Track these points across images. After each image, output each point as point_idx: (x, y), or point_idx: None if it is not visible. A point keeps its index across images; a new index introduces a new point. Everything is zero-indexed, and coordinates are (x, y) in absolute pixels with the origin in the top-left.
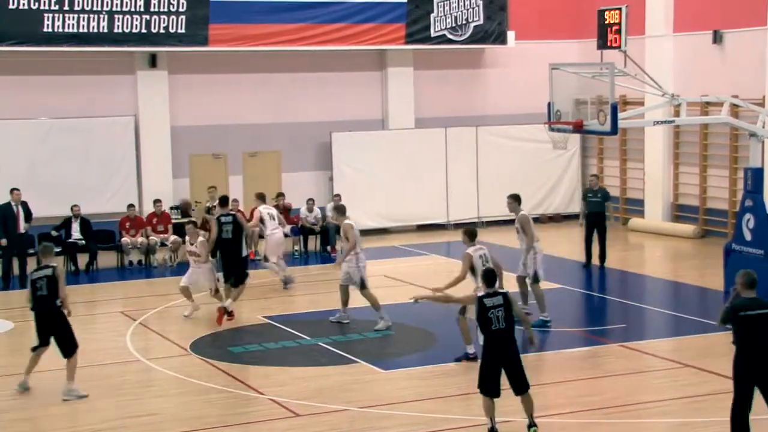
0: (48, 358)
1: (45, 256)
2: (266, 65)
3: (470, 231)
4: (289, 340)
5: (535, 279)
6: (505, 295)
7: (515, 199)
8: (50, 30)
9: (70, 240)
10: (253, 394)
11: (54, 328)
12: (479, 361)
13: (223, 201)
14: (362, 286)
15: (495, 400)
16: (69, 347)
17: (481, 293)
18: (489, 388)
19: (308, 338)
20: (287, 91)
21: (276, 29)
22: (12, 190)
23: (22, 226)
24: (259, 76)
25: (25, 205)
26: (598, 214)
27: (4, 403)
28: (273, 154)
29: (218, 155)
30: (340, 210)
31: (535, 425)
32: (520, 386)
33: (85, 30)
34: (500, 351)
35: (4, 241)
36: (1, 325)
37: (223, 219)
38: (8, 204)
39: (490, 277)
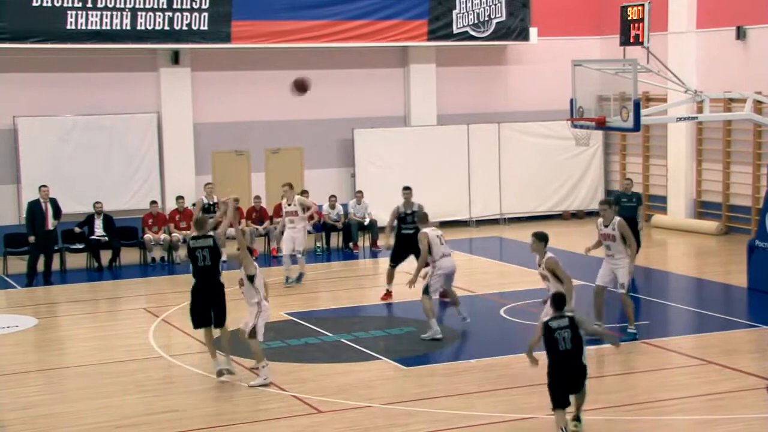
0: (73, 354)
1: (202, 227)
2: (288, 62)
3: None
4: (311, 337)
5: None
6: (571, 318)
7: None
8: (73, 27)
9: (93, 237)
10: (275, 390)
11: (215, 299)
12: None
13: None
14: (424, 290)
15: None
16: (224, 317)
17: (546, 318)
18: (561, 403)
19: (330, 335)
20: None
21: (298, 26)
22: (40, 187)
23: (51, 223)
24: (282, 72)
25: (54, 202)
26: (631, 219)
27: (26, 399)
28: (295, 151)
29: (241, 152)
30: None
31: (580, 420)
32: (579, 390)
33: (108, 27)
34: (568, 371)
35: (32, 238)
36: (26, 321)
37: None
38: (37, 201)
39: (558, 301)
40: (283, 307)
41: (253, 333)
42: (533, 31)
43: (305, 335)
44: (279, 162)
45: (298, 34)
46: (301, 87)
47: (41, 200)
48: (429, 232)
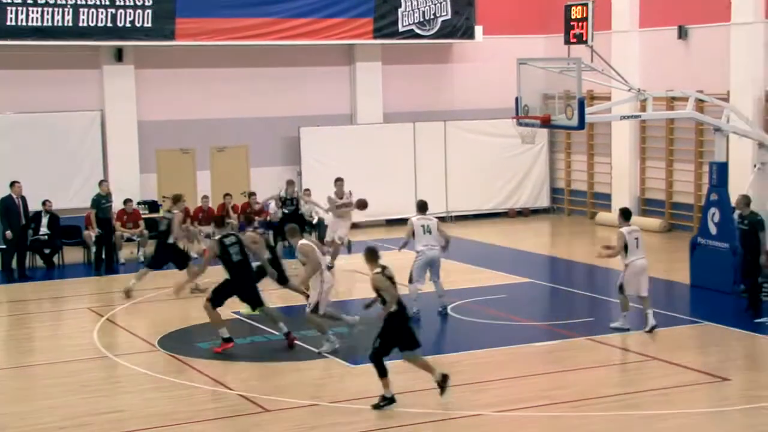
0: (16, 354)
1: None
2: (234, 60)
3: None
4: (258, 335)
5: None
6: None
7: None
8: (14, 23)
9: (37, 236)
10: (221, 389)
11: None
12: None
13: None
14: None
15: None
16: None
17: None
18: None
19: (277, 333)
20: (255, 86)
21: (243, 23)
22: (13, 183)
23: (23, 219)
24: (227, 70)
25: (24, 199)
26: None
27: None
28: (241, 149)
29: (186, 150)
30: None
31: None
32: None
33: (50, 23)
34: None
35: (9, 233)
36: None
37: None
38: (9, 196)
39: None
40: (230, 306)
41: (315, 309)
42: (479, 30)
43: (252, 333)
44: (225, 160)
45: (243, 31)
46: (362, 206)
47: (14, 196)
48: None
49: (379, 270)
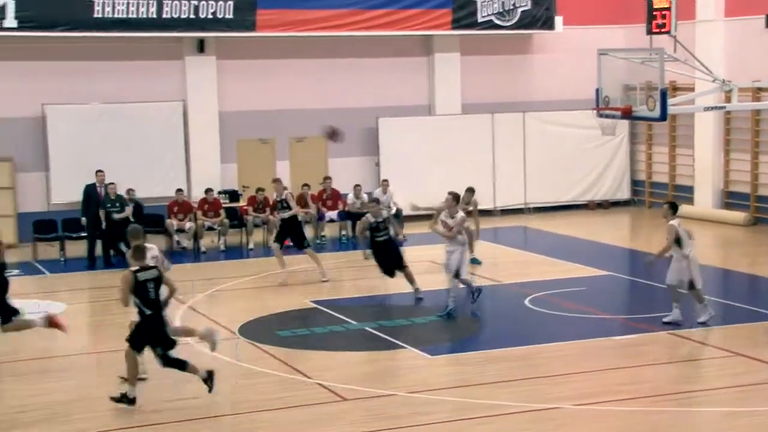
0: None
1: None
2: (313, 50)
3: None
4: (336, 325)
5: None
6: None
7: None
8: (100, 16)
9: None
10: (300, 377)
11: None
12: None
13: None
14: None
15: None
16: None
17: None
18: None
19: (355, 323)
20: (334, 77)
21: (323, 14)
22: (97, 172)
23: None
24: (306, 61)
25: (107, 187)
26: None
27: (71, 383)
28: (320, 140)
29: (266, 140)
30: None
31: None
32: None
33: (134, 16)
34: None
35: (84, 220)
36: (55, 307)
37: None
38: (93, 185)
39: None
40: (309, 294)
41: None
42: (558, 20)
43: (330, 323)
44: (303, 150)
45: (322, 22)
46: (332, 135)
47: (97, 185)
48: None
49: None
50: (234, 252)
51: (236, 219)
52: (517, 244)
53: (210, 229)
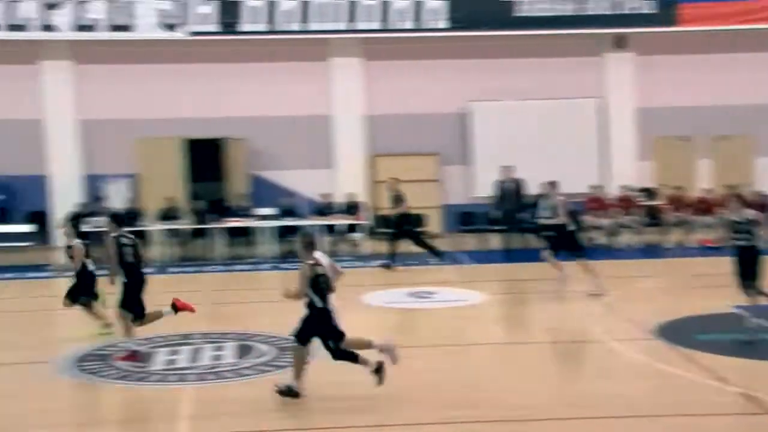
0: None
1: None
2: (738, 44)
3: None
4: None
5: None
6: None
7: None
8: (522, 14)
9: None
10: (719, 384)
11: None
12: None
13: None
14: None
15: None
16: None
17: None
18: None
19: None
20: (763, 71)
21: (748, 7)
22: (506, 167)
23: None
24: (729, 56)
25: (518, 182)
26: None
27: (491, 372)
28: (743, 138)
29: (684, 138)
30: None
31: None
32: None
33: (555, 13)
34: None
35: (496, 214)
36: (473, 296)
37: None
38: (501, 181)
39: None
40: (728, 298)
41: None
42: None
43: (757, 330)
44: (726, 149)
45: (747, 15)
46: None
47: (503, 179)
48: None
49: None
50: (650, 250)
51: (653, 217)
52: None
53: (625, 226)
